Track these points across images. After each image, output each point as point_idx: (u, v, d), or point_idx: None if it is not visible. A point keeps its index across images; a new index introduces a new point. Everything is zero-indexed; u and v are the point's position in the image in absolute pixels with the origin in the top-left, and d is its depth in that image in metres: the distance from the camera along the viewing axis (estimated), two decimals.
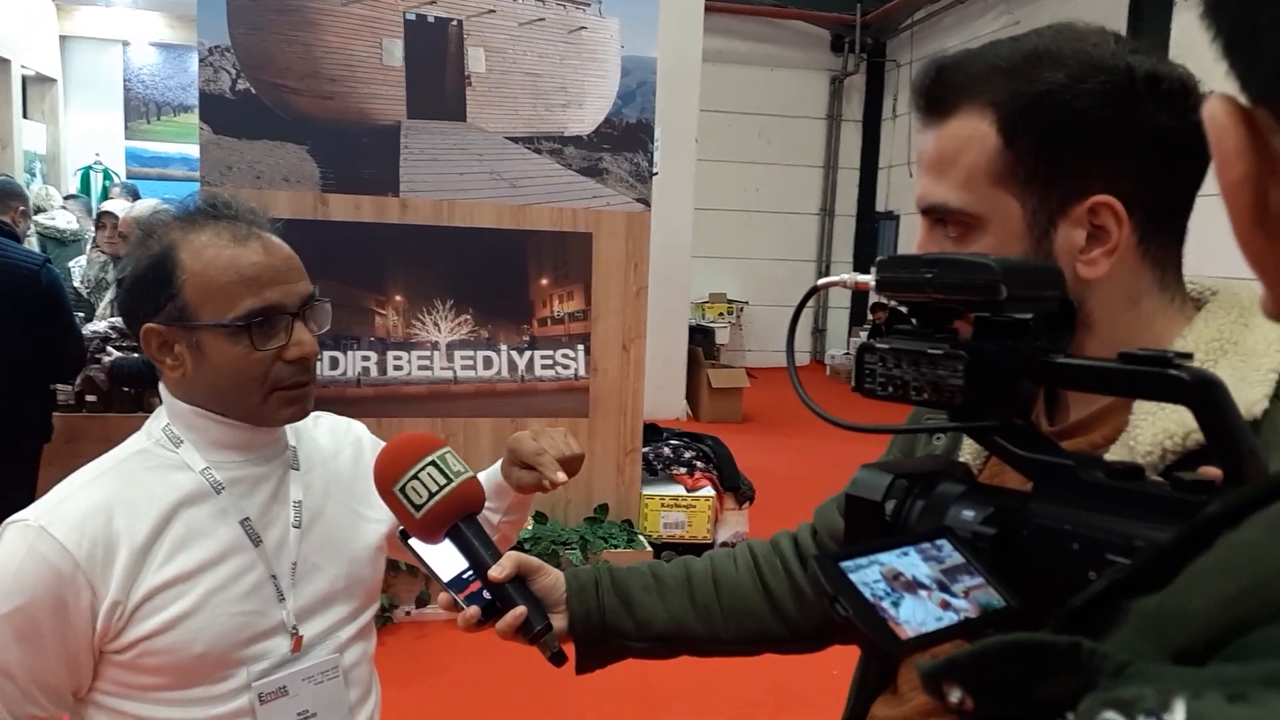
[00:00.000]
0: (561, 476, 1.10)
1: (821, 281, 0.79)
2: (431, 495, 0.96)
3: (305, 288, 1.08)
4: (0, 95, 8.93)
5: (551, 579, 1.01)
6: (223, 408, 1.07)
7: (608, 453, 4.12)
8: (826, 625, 1.06)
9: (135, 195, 7.63)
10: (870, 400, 0.65)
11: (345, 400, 3.72)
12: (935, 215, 0.81)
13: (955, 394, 0.60)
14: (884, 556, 0.56)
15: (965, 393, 0.60)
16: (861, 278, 0.68)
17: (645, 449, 4.41)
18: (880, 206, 12.28)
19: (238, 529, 1.07)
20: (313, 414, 1.22)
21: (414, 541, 1.00)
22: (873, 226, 12.40)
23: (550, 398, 4.02)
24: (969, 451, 0.87)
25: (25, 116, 9.52)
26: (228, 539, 1.06)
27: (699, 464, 4.59)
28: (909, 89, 0.83)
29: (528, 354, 4.02)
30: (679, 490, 4.43)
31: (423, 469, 0.97)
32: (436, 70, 3.80)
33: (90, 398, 3.87)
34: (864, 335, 11.40)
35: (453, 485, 0.97)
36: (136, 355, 3.62)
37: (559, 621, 1.00)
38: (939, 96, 0.79)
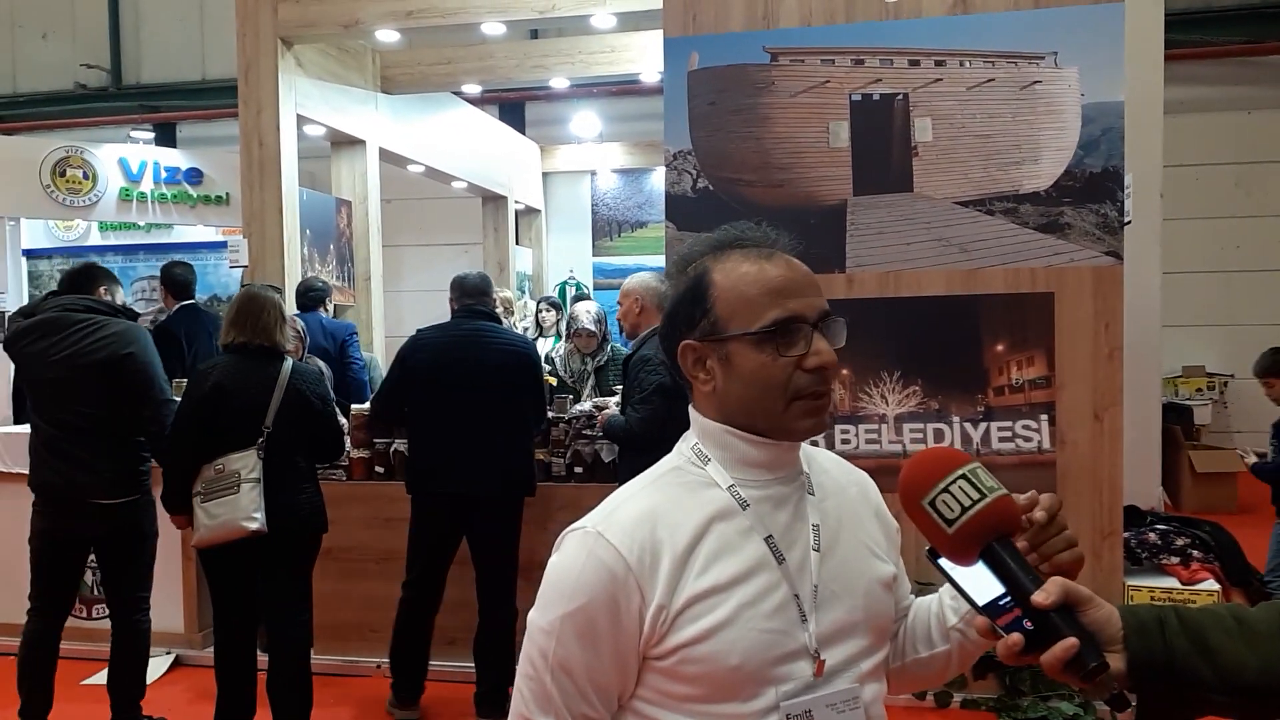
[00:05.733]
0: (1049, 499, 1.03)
1: None
2: (965, 509, 0.93)
3: (822, 303, 1.12)
4: (500, 227, 10.76)
5: (1105, 613, 0.93)
6: (748, 420, 1.11)
7: (1081, 536, 3.64)
8: None
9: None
10: None
11: None
12: None
13: None
14: None
15: None
16: None
17: (1126, 534, 3.92)
18: None
19: (763, 546, 1.09)
20: (818, 450, 1.25)
21: (944, 562, 0.96)
22: None
23: (1011, 473, 3.75)
24: None
25: (517, 243, 11.35)
26: (755, 555, 1.08)
27: (1195, 553, 3.97)
28: None
29: (983, 425, 3.81)
30: (1172, 583, 3.85)
31: (954, 481, 0.94)
32: (882, 145, 3.85)
33: (578, 469, 4.36)
34: None
35: (987, 500, 0.93)
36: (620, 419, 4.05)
37: (1115, 661, 0.91)
38: None
